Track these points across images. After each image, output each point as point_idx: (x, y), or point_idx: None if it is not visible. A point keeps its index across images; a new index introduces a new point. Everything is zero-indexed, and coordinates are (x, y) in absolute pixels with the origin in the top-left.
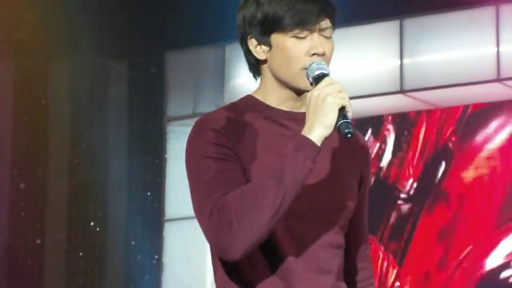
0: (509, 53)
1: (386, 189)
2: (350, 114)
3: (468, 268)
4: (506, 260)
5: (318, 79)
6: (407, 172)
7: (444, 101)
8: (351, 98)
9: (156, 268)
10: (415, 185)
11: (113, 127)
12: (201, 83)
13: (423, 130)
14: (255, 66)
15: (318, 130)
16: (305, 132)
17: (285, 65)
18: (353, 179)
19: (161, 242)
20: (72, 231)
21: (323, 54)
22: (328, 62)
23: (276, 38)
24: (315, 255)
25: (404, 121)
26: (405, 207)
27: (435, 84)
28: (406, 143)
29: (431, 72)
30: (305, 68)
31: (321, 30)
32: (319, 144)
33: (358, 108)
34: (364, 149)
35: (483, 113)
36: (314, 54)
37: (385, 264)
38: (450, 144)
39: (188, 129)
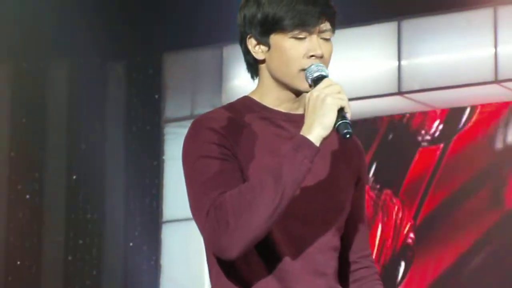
0: (507, 55)
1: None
2: (349, 115)
3: None
4: None
5: (317, 80)
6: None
7: (442, 102)
8: (349, 99)
9: (154, 270)
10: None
11: (111, 128)
12: (199, 84)
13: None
14: (253, 66)
15: (317, 130)
16: (304, 132)
17: (283, 66)
18: (350, 181)
19: (159, 243)
20: (70, 233)
21: (321, 57)
22: (326, 64)
23: (275, 38)
24: (312, 257)
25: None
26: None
27: (433, 86)
28: None
29: (429, 74)
30: (303, 70)
31: (320, 32)
32: (317, 144)
33: (355, 110)
34: (359, 150)
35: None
36: (312, 56)
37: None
38: None
39: (186, 131)
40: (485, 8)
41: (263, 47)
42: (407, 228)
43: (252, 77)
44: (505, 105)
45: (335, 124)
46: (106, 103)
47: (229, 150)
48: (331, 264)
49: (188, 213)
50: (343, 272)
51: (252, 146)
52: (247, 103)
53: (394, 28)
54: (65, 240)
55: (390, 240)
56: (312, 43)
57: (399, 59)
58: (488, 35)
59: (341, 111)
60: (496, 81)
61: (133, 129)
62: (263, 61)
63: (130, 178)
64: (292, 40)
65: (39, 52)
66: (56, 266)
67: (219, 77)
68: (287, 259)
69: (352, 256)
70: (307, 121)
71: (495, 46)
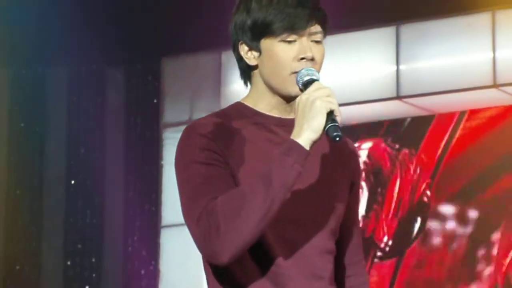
0: (506, 59)
1: None
2: (339, 119)
3: None
4: None
5: (307, 84)
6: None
7: (441, 107)
8: (347, 104)
9: (153, 275)
10: None
11: (110, 134)
12: (197, 89)
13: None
14: (246, 72)
15: (306, 134)
16: (293, 136)
17: (274, 70)
18: (344, 184)
19: (158, 248)
20: (69, 237)
21: (312, 59)
22: (318, 67)
23: (265, 43)
24: (308, 261)
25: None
26: None
27: (431, 90)
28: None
29: (428, 78)
30: (294, 73)
31: (310, 34)
32: (307, 148)
33: (354, 114)
34: (353, 154)
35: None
36: (302, 58)
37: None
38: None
39: None
40: (483, 13)
41: (254, 53)
42: (424, 186)
43: (245, 83)
44: (503, 109)
45: (324, 127)
46: (105, 108)
47: (220, 156)
48: (327, 267)
49: None
50: (336, 276)
51: (244, 151)
52: (239, 109)
53: (393, 32)
54: (64, 245)
55: (407, 196)
56: (302, 45)
57: (397, 64)
58: (486, 40)
59: (330, 114)
60: (495, 85)
61: (132, 134)
62: (255, 67)
63: (129, 183)
64: (282, 43)
65: (38, 57)
66: (55, 271)
67: (217, 82)
68: (283, 263)
69: (344, 261)
70: (297, 124)
71: (494, 51)
